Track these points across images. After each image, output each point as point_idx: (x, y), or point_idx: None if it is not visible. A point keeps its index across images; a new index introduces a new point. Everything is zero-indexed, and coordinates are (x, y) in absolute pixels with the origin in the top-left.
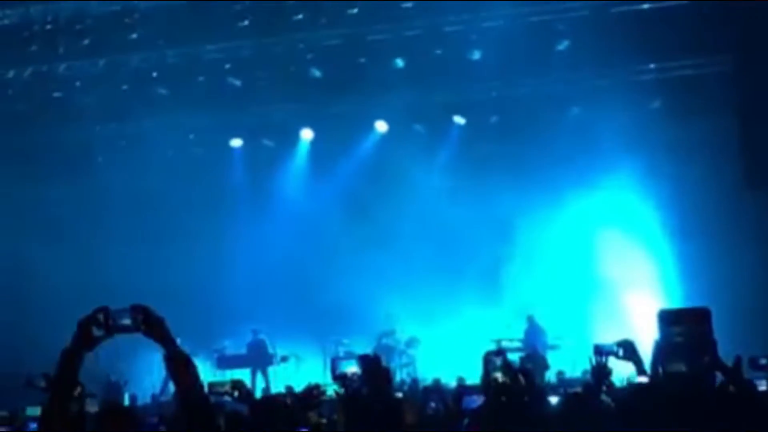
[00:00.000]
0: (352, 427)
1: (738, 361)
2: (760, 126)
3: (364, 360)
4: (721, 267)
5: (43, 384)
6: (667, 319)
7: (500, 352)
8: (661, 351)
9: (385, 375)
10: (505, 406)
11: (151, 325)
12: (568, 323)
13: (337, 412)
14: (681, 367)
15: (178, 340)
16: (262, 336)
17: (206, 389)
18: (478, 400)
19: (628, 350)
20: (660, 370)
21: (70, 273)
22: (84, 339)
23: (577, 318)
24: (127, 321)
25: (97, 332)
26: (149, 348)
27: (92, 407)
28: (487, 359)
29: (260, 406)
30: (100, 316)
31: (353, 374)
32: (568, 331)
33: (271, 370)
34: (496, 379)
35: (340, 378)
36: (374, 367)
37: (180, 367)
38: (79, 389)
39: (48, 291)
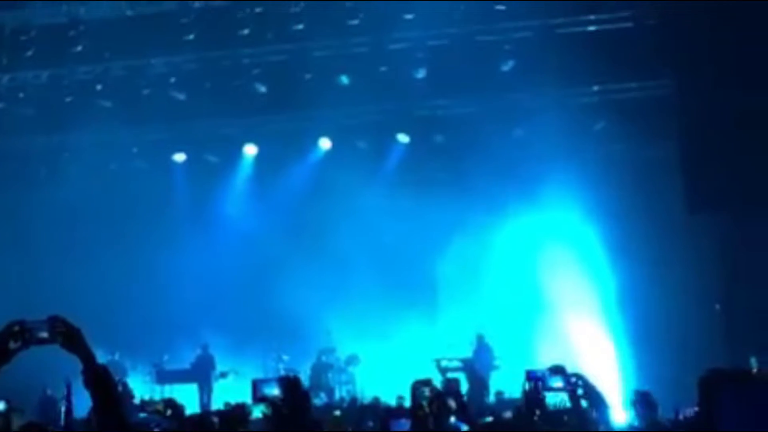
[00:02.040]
0: None
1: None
2: (700, 151)
3: (283, 382)
4: (660, 289)
5: None
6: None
7: (427, 382)
8: None
9: (305, 397)
10: None
11: (68, 337)
12: (509, 343)
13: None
14: None
15: (116, 355)
16: (211, 352)
17: (139, 406)
18: (406, 424)
19: (560, 376)
20: None
21: (7, 285)
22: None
23: (519, 337)
24: (43, 333)
25: (13, 345)
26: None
27: (18, 422)
28: (415, 388)
29: (188, 425)
30: (16, 329)
31: (274, 397)
32: (510, 350)
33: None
34: (423, 409)
35: (260, 400)
36: (294, 390)
37: (98, 379)
38: (4, 405)
39: None
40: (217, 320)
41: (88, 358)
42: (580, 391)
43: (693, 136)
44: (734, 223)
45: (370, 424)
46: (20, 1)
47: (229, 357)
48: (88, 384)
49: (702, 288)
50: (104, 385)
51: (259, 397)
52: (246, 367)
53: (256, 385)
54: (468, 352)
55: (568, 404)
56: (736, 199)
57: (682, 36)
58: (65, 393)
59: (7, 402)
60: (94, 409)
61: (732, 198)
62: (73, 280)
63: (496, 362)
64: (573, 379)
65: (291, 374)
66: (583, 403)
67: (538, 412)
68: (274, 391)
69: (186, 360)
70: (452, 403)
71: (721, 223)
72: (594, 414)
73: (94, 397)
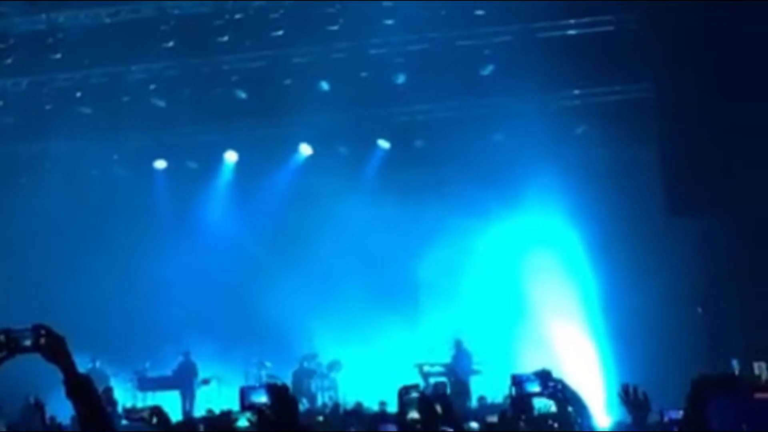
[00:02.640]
0: None
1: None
2: (680, 154)
3: (271, 389)
4: (642, 293)
5: None
6: None
7: (414, 387)
8: None
9: (293, 404)
10: None
11: (51, 346)
12: (491, 347)
13: None
14: None
15: (97, 363)
16: (193, 358)
17: (123, 414)
18: (394, 428)
19: (545, 382)
20: None
21: None
22: None
23: (500, 342)
24: (27, 341)
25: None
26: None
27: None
28: (402, 393)
29: None
30: (2, 338)
31: (262, 404)
32: (491, 355)
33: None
34: (411, 417)
35: (248, 408)
36: (282, 397)
37: (80, 389)
38: None
39: None
40: (199, 327)
41: (69, 368)
42: (560, 396)
43: (673, 139)
44: (716, 226)
45: (352, 430)
46: None
47: (211, 364)
48: (70, 394)
49: (684, 291)
50: (87, 395)
51: (246, 405)
52: (228, 374)
53: (243, 393)
54: (448, 357)
55: (553, 409)
56: (717, 201)
57: (663, 40)
58: (43, 402)
59: None
60: (78, 419)
61: (713, 201)
62: (55, 287)
63: (476, 367)
64: (557, 385)
65: (273, 381)
66: (568, 408)
67: (523, 416)
68: (262, 398)
69: (168, 367)
70: (439, 408)
71: (702, 226)
72: (578, 420)
73: (77, 407)
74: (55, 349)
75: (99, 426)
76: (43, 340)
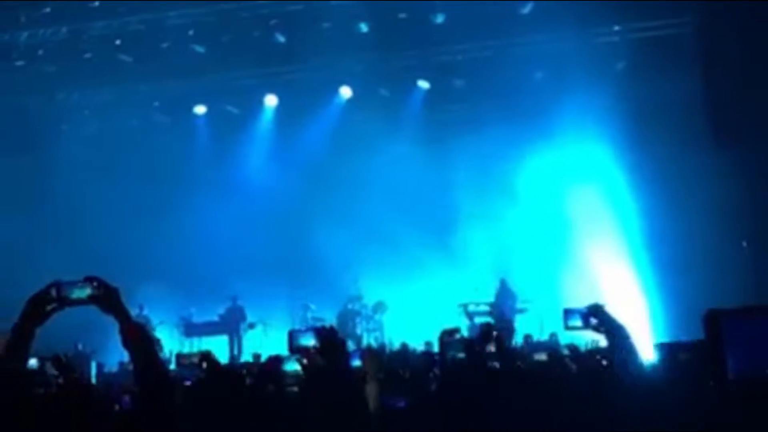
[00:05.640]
0: (315, 400)
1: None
2: (724, 86)
3: (319, 332)
4: (686, 227)
5: None
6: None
7: (455, 330)
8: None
9: (343, 346)
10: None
11: (105, 297)
12: (535, 285)
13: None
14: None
15: (145, 310)
16: (240, 303)
17: (174, 360)
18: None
19: (598, 317)
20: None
21: (32, 244)
22: (35, 315)
23: (545, 280)
24: (80, 293)
25: (49, 307)
26: None
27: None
28: (443, 341)
29: (215, 379)
30: (53, 291)
31: (312, 347)
32: (535, 292)
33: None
34: (454, 358)
35: (296, 351)
36: (330, 340)
37: (136, 339)
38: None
39: (9, 261)
40: (243, 271)
41: (124, 317)
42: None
43: (716, 71)
44: (761, 159)
45: (400, 371)
46: None
47: (256, 308)
48: (126, 343)
49: (729, 225)
50: (142, 343)
51: (295, 348)
52: (273, 317)
53: (291, 336)
54: (492, 296)
55: (601, 344)
56: (762, 133)
57: None
58: (93, 349)
59: (39, 358)
60: (134, 367)
61: (758, 133)
62: (97, 235)
63: (521, 305)
64: (601, 319)
65: (319, 323)
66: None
67: (568, 352)
68: (310, 341)
69: (213, 312)
70: (491, 348)
71: (747, 159)
72: (623, 355)
73: (132, 355)
74: (109, 300)
75: (154, 373)
76: (96, 292)
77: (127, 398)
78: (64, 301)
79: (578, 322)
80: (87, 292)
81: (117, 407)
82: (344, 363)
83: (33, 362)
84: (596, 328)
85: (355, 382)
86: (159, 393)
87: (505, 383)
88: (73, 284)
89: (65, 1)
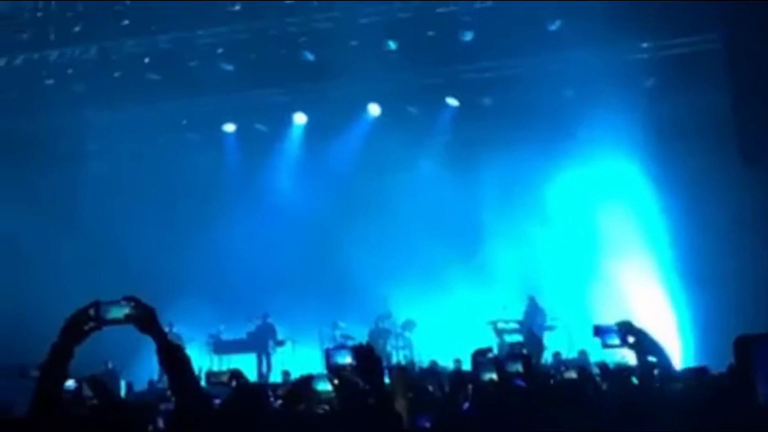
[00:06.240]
0: (348, 419)
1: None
2: (752, 103)
3: (357, 350)
4: (714, 242)
5: (36, 374)
6: None
7: (487, 350)
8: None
9: (378, 365)
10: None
11: (142, 317)
12: (564, 302)
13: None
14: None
15: (174, 328)
16: (270, 321)
17: (203, 378)
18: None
19: (637, 336)
20: None
21: (62, 261)
22: (74, 334)
23: (574, 297)
24: (117, 313)
25: (87, 326)
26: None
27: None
28: (476, 360)
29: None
30: (91, 311)
31: (349, 365)
32: (565, 310)
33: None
34: (490, 379)
35: (333, 369)
36: (369, 358)
37: (172, 357)
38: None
39: (41, 279)
40: (271, 289)
41: (161, 338)
42: (641, 347)
43: (744, 88)
44: None
45: (430, 388)
46: None
47: (284, 326)
48: (164, 363)
49: (756, 241)
50: (179, 363)
51: (332, 366)
52: (301, 335)
53: (328, 354)
54: (521, 314)
55: (631, 362)
56: None
57: None
58: (121, 367)
59: (77, 380)
60: (171, 386)
61: None
62: (126, 255)
63: (552, 322)
64: (637, 336)
65: (348, 341)
66: (650, 358)
67: (597, 371)
68: (347, 359)
69: (242, 330)
70: (519, 367)
71: None
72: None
73: (169, 374)
74: (146, 320)
75: (189, 391)
76: (134, 312)
77: (160, 420)
78: (102, 321)
79: (616, 341)
80: (124, 311)
81: (150, 428)
82: (382, 382)
83: (71, 383)
84: (634, 347)
85: (389, 401)
86: (197, 406)
87: (536, 403)
88: (111, 304)
89: (96, 19)
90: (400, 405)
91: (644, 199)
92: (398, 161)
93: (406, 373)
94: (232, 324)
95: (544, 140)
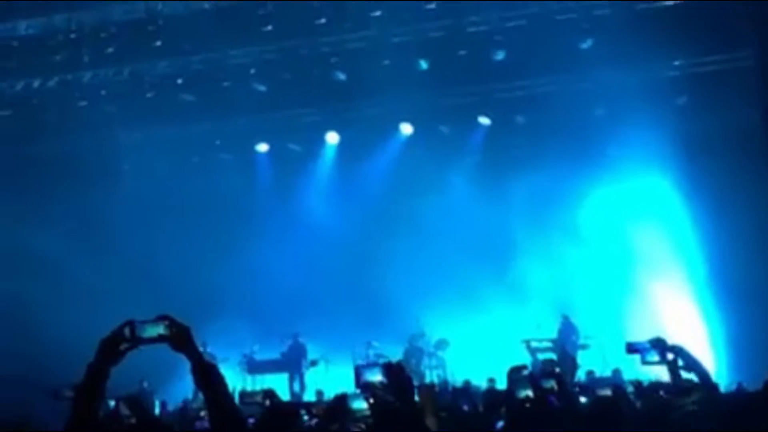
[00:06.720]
0: None
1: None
2: None
3: (387, 368)
4: (748, 260)
5: (70, 394)
6: None
7: (523, 367)
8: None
9: (409, 383)
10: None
11: (177, 336)
12: (597, 320)
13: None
14: None
15: (208, 347)
16: (302, 340)
17: (237, 398)
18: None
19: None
20: None
21: (96, 280)
22: (110, 354)
23: (607, 315)
24: (152, 332)
25: (123, 346)
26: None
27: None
28: (511, 378)
29: (275, 416)
30: (126, 331)
31: (379, 382)
32: (597, 329)
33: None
34: (526, 396)
35: (363, 386)
36: (399, 376)
37: (207, 376)
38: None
39: (76, 296)
40: (304, 308)
41: (196, 356)
42: (680, 364)
43: None
44: None
45: (465, 408)
46: (99, 1)
47: (317, 345)
48: (199, 382)
49: None
50: (214, 382)
51: (362, 384)
52: (335, 354)
53: (358, 371)
54: (555, 333)
55: (664, 379)
56: None
57: (764, 6)
58: (154, 387)
59: (115, 399)
60: (207, 405)
61: None
62: (159, 274)
63: (584, 341)
64: (677, 353)
65: (382, 360)
66: (688, 375)
67: (632, 389)
68: (377, 376)
69: (276, 350)
70: (553, 385)
71: None
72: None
73: (205, 393)
74: (181, 339)
75: (225, 411)
76: (169, 331)
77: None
78: (137, 340)
79: (655, 357)
80: (159, 330)
81: None
82: (413, 399)
83: (111, 403)
84: (673, 364)
85: (420, 419)
86: (232, 425)
87: (570, 420)
88: (145, 323)
89: (129, 40)
90: (430, 422)
91: (676, 215)
92: (430, 180)
93: (434, 390)
94: (265, 344)
95: (576, 158)
